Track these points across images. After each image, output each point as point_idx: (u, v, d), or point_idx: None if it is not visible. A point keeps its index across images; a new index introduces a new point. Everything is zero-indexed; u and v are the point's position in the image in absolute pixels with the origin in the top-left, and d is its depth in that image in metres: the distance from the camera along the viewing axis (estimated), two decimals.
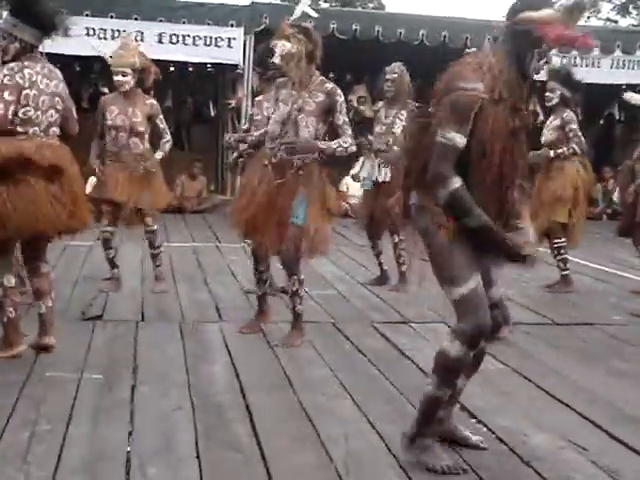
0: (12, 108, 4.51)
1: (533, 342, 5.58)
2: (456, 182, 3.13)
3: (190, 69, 14.84)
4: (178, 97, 15.44)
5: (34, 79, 4.60)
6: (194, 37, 12.01)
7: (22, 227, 4.57)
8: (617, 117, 15.22)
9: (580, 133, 7.16)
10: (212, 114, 15.45)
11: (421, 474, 3.28)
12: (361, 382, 4.53)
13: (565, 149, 7.06)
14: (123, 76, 6.46)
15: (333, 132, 5.14)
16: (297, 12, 7.10)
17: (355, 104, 12.16)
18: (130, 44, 6.76)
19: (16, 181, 4.52)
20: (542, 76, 5.44)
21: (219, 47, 12.37)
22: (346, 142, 5.06)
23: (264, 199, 5.12)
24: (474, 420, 3.95)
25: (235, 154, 6.75)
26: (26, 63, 4.61)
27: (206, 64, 13.76)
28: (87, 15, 11.66)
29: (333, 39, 11.89)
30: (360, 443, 3.59)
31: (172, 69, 14.00)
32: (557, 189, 7.10)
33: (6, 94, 4.49)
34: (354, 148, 5.16)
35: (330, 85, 5.11)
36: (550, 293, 7.31)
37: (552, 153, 7.11)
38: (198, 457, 3.39)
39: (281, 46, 5.05)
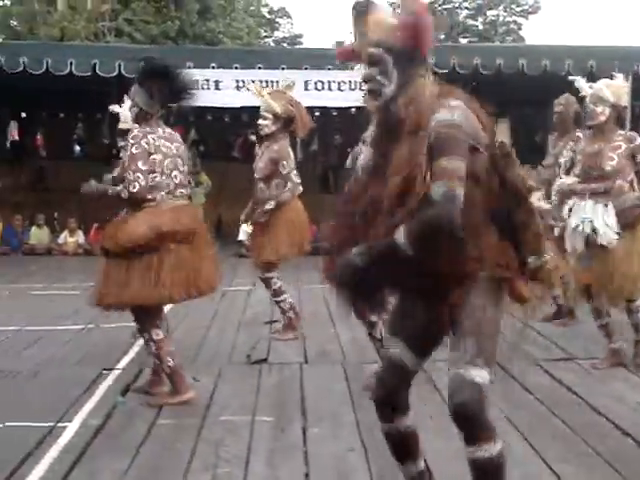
0: (149, 177, 4.64)
1: None
2: None
3: (334, 113, 15.16)
4: (324, 141, 15.76)
5: (157, 143, 4.73)
6: (339, 82, 12.26)
7: (175, 292, 4.73)
8: None
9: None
10: None
11: None
12: (532, 421, 4.46)
13: None
14: (263, 120, 6.64)
15: None
16: None
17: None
18: (283, 91, 6.95)
19: (166, 249, 4.68)
20: None
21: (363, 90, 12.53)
22: None
23: None
24: None
25: None
26: (147, 129, 4.75)
27: (349, 107, 13.99)
28: (236, 68, 12.14)
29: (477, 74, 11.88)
30: None
31: (318, 114, 14.34)
32: None
33: (140, 164, 4.62)
34: None
35: None
36: None
37: None
38: None
39: None
